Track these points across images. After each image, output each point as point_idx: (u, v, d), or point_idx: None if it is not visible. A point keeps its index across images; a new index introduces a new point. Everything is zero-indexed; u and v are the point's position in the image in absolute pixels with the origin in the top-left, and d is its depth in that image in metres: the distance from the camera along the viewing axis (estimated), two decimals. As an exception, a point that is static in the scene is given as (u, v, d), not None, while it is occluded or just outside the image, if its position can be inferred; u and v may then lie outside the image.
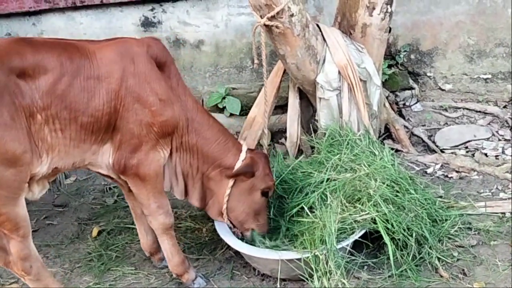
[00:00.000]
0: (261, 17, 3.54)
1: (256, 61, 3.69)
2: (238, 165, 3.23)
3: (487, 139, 4.57)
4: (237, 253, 3.47)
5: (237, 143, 3.35)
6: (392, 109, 4.73)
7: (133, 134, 2.93)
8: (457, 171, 4.22)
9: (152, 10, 4.92)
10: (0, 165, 2.55)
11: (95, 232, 3.94)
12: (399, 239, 3.12)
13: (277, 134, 4.76)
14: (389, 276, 3.16)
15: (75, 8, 4.86)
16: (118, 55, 2.88)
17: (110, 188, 4.50)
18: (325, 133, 3.79)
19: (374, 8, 3.93)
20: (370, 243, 3.22)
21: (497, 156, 4.34)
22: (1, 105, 2.51)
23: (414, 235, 3.15)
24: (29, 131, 2.65)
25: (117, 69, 2.86)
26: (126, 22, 4.91)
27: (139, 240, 3.61)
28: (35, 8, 4.81)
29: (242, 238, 3.36)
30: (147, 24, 4.94)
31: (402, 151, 4.47)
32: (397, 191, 3.28)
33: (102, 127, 2.87)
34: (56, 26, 4.93)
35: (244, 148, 3.31)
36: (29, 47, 2.69)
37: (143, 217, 3.33)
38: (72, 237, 3.94)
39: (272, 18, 3.52)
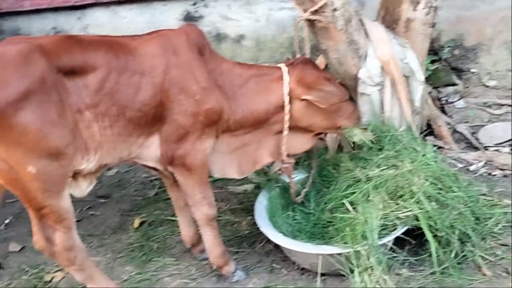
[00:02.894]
0: (304, 11, 3.52)
1: (298, 55, 3.68)
2: (286, 92, 3.19)
3: (532, 136, 4.47)
4: (276, 246, 3.48)
5: (274, 75, 3.26)
6: (435, 105, 4.67)
7: (179, 124, 2.96)
8: (500, 169, 4.14)
9: (194, 4, 4.96)
10: (44, 160, 2.60)
11: (136, 223, 4.01)
12: (441, 237, 3.08)
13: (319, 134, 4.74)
14: (430, 274, 3.12)
15: (119, 2, 4.93)
16: (159, 48, 2.91)
17: (151, 181, 4.56)
18: (366, 129, 3.76)
19: (418, 3, 3.88)
20: (412, 240, 3.19)
21: (542, 154, 4.26)
22: (49, 102, 2.56)
23: (457, 233, 3.11)
24: (76, 128, 2.70)
25: (159, 62, 2.89)
26: (169, 17, 4.96)
27: (179, 232, 3.65)
28: (81, 3, 4.90)
29: (282, 232, 3.36)
30: (189, 18, 4.98)
31: (444, 148, 4.41)
32: (440, 188, 3.23)
33: (149, 120, 2.91)
34: (100, 21, 5.01)
35: (285, 74, 3.24)
36: (77, 46, 2.73)
37: (185, 209, 3.37)
38: (115, 227, 4.01)
39: (315, 12, 3.50)
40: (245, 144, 3.29)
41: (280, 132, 3.30)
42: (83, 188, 2.94)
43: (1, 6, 4.91)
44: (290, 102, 3.22)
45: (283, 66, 3.29)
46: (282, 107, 3.22)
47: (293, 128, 3.28)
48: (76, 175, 2.84)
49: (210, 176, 3.23)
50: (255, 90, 3.20)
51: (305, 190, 3.59)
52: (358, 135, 3.43)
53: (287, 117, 3.22)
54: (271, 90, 3.22)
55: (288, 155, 3.36)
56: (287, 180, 3.66)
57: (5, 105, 2.43)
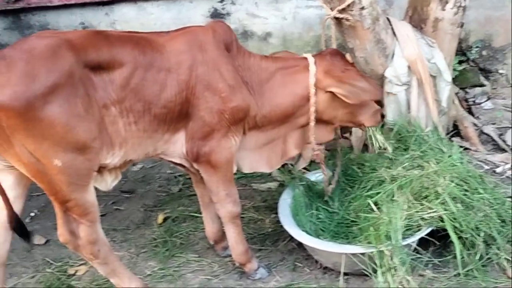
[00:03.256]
0: (331, 9, 3.51)
1: (324, 52, 3.66)
2: (312, 82, 3.12)
3: (560, 139, 4.40)
4: (300, 245, 3.47)
5: (300, 65, 3.19)
6: (462, 106, 4.62)
7: (204, 122, 2.96)
8: (528, 172, 4.09)
9: (221, 1, 4.97)
10: (70, 153, 2.62)
11: (160, 218, 4.03)
12: (466, 239, 3.05)
13: (342, 128, 4.72)
14: (454, 275, 3.10)
15: (146, -2, 4.97)
16: (186, 45, 2.91)
17: (175, 177, 4.58)
18: (392, 128, 3.73)
19: (447, 2, 3.83)
20: (436, 241, 3.17)
21: None
22: (76, 96, 2.57)
23: (482, 235, 3.07)
24: (102, 122, 2.71)
25: (186, 59, 2.89)
26: (195, 13, 4.97)
27: (203, 229, 3.66)
28: (108, -2, 4.94)
29: (306, 231, 3.36)
30: (216, 15, 4.99)
31: (470, 149, 4.36)
32: (466, 190, 3.20)
33: (175, 117, 2.92)
34: (127, 16, 5.04)
35: (311, 64, 3.16)
36: (105, 41, 2.74)
37: (210, 205, 3.38)
38: (138, 222, 4.04)
39: (343, 10, 3.49)
40: (272, 139, 3.27)
41: (305, 125, 3.24)
42: (108, 182, 2.96)
43: (30, 1, 4.96)
44: (315, 93, 3.14)
45: (309, 56, 3.21)
46: (307, 99, 3.15)
47: (316, 120, 3.21)
48: (101, 169, 2.86)
49: (235, 173, 3.23)
50: (281, 83, 3.15)
51: (332, 186, 3.57)
52: (379, 140, 3.40)
53: (313, 108, 3.15)
54: (297, 81, 3.15)
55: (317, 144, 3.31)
56: (311, 178, 3.66)
57: (33, 99, 2.45)
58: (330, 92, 3.12)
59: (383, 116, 3.44)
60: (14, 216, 2.79)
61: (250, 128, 3.16)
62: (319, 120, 3.22)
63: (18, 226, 2.84)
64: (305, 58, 3.20)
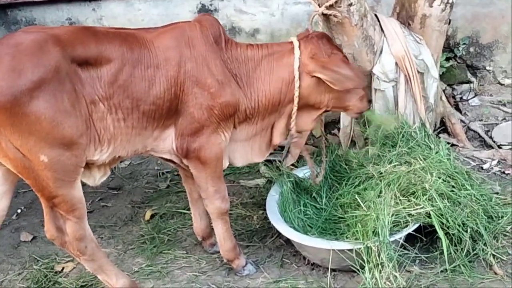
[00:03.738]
0: (319, 6, 3.51)
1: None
2: (296, 66, 3.06)
3: (547, 136, 4.44)
4: (287, 241, 3.48)
5: (285, 50, 3.14)
6: (449, 102, 4.65)
7: (193, 118, 2.95)
8: (514, 168, 4.12)
9: (209, -3, 4.96)
10: (57, 149, 2.61)
11: (148, 215, 4.02)
12: (453, 235, 3.07)
13: (330, 124, 4.73)
14: (441, 271, 3.12)
15: (134, -6, 4.94)
16: (173, 41, 2.90)
17: (163, 173, 4.57)
18: (379, 125, 3.74)
19: (434, -1, 3.86)
20: (423, 237, 3.18)
21: (557, 153, 4.22)
22: (62, 91, 2.56)
23: (469, 231, 3.09)
24: (89, 118, 2.70)
25: (174, 55, 2.88)
26: (183, 9, 4.95)
27: (190, 225, 3.66)
28: (96, -6, 4.91)
29: (293, 227, 3.36)
30: (204, 11, 4.97)
31: (458, 145, 4.39)
32: (453, 186, 3.22)
33: (164, 113, 2.91)
34: (115, 12, 5.01)
35: (295, 48, 3.11)
36: (93, 37, 2.73)
37: (199, 201, 3.37)
38: (126, 219, 4.03)
39: (331, 7, 3.48)
40: (262, 129, 3.24)
41: (291, 113, 3.20)
42: (97, 178, 2.95)
43: (17, -4, 4.93)
44: (300, 77, 3.09)
45: (294, 39, 3.16)
46: (293, 83, 3.10)
47: (301, 105, 3.17)
48: (90, 165, 2.85)
49: (224, 170, 3.22)
50: (267, 70, 3.11)
51: (319, 178, 3.56)
52: (380, 119, 3.37)
53: (296, 93, 3.09)
54: (283, 66, 3.10)
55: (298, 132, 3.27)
56: (299, 174, 3.66)
57: (19, 94, 2.44)
58: (316, 77, 3.07)
59: (370, 101, 3.38)
60: None
61: (241, 122, 3.15)
62: (306, 105, 3.19)
63: None
64: (291, 42, 3.15)
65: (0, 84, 2.42)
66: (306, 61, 3.06)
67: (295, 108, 3.14)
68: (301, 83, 3.09)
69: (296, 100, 3.12)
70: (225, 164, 3.21)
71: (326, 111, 3.30)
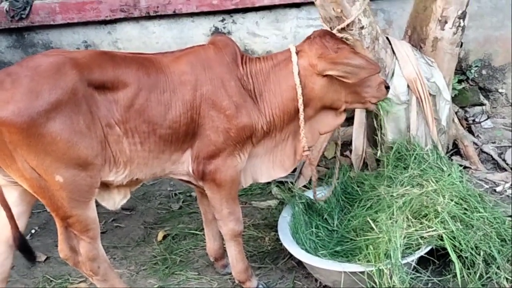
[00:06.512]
0: (331, 28, 3.55)
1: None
2: (296, 74, 3.02)
3: (560, 159, 4.41)
4: (299, 263, 3.47)
5: (288, 57, 3.08)
6: (461, 125, 4.64)
7: (210, 141, 2.96)
8: (527, 191, 4.09)
9: (222, 20, 5.01)
10: (72, 170, 2.65)
11: (160, 236, 4.03)
12: (466, 258, 3.04)
13: (343, 146, 4.73)
14: (454, 295, 3.11)
15: (148, 17, 5.00)
16: (189, 65, 2.94)
17: (175, 194, 4.59)
18: (391, 147, 3.75)
19: (446, 22, 3.87)
20: (435, 260, 3.17)
21: None
22: (78, 113, 2.61)
23: (481, 254, 3.06)
24: (104, 140, 2.74)
25: (189, 79, 2.91)
26: (197, 32, 5.01)
27: (202, 246, 3.67)
28: (111, 17, 4.97)
29: (305, 249, 3.36)
30: (216, 33, 5.03)
31: (470, 168, 4.37)
32: (465, 209, 3.21)
33: (181, 137, 2.93)
34: (130, 35, 5.08)
35: (293, 54, 3.06)
36: (110, 61, 2.78)
37: (213, 222, 3.38)
38: (139, 240, 4.04)
39: (342, 30, 3.52)
40: (282, 140, 3.20)
41: (312, 116, 3.16)
42: (117, 200, 2.98)
43: (34, 19, 5.00)
44: (309, 81, 3.02)
45: (291, 46, 3.11)
46: (303, 89, 3.05)
47: (319, 108, 3.13)
48: (109, 187, 2.89)
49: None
50: (276, 81, 3.07)
51: (325, 195, 3.55)
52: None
53: (300, 100, 3.04)
54: (289, 73, 3.05)
55: (309, 147, 3.20)
56: (311, 196, 3.66)
57: (36, 115, 2.48)
58: (328, 75, 3.01)
59: (387, 88, 3.28)
60: (19, 235, 2.79)
61: (259, 140, 3.13)
62: (324, 107, 3.15)
63: (22, 245, 2.83)
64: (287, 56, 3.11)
65: (18, 105, 2.47)
66: (314, 62, 3.00)
67: (302, 117, 3.09)
68: (313, 86, 3.04)
69: (301, 108, 3.06)
70: (247, 182, 3.22)
71: (345, 110, 3.22)
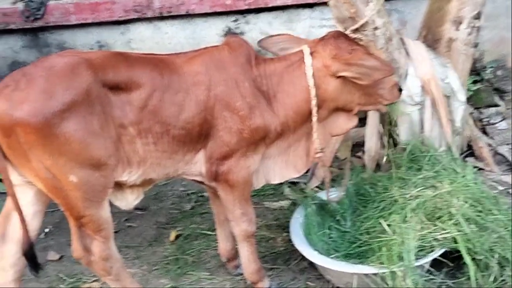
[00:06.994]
0: (345, 29, 3.54)
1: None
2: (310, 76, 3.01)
3: None
4: (311, 264, 3.46)
5: (302, 58, 3.06)
6: (476, 126, 4.61)
7: (223, 141, 2.96)
8: (542, 193, 4.06)
9: (235, 21, 5.01)
10: (86, 170, 2.65)
11: (172, 236, 4.03)
12: (480, 260, 3.02)
13: (355, 147, 4.72)
14: (468, 298, 3.08)
15: (161, 18, 5.01)
16: (202, 66, 2.93)
17: (188, 194, 4.59)
18: (405, 148, 3.73)
19: (461, 23, 3.85)
20: (449, 263, 3.15)
21: None
22: (92, 114, 2.62)
23: (496, 256, 3.04)
24: (118, 140, 2.75)
25: (203, 80, 2.91)
26: (210, 32, 5.02)
27: (214, 246, 3.66)
28: (124, 18, 4.99)
29: (317, 250, 3.35)
30: (229, 34, 5.03)
31: (485, 169, 4.34)
32: (480, 211, 3.18)
33: (194, 137, 2.93)
34: (143, 35, 5.10)
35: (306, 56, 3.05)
36: (125, 62, 2.78)
37: (226, 223, 3.37)
38: (151, 240, 4.04)
39: (356, 30, 3.51)
40: (295, 141, 3.19)
41: (326, 117, 3.14)
42: (130, 200, 2.99)
43: (48, 20, 5.03)
44: (322, 82, 3.01)
45: (305, 47, 3.09)
46: (318, 90, 3.03)
47: (332, 109, 3.12)
48: (122, 186, 2.90)
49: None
50: (290, 82, 3.05)
51: (340, 193, 3.55)
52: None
53: (314, 101, 3.02)
54: (302, 74, 3.03)
55: (322, 149, 3.17)
56: (324, 197, 3.64)
57: (50, 115, 2.49)
58: (341, 77, 3.00)
59: (400, 90, 3.26)
60: (27, 240, 2.79)
61: (272, 142, 3.11)
62: (337, 109, 3.14)
63: (29, 251, 2.82)
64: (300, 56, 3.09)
65: (33, 105, 2.48)
66: (328, 63, 2.99)
67: (315, 119, 3.08)
68: (327, 87, 3.03)
69: (314, 109, 3.05)
70: (260, 183, 3.21)
71: (357, 113, 3.20)
